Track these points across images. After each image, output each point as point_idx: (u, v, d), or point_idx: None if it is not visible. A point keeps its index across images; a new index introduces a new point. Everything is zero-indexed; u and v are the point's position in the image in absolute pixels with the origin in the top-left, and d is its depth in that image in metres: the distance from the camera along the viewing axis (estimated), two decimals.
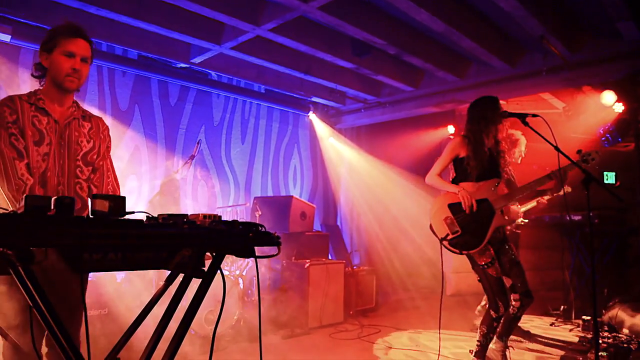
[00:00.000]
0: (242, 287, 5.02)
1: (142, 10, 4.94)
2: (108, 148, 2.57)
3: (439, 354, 3.96)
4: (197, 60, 6.07)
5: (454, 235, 3.46)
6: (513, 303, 3.48)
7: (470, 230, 3.44)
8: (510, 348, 3.67)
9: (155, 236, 1.36)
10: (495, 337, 3.60)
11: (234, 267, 5.20)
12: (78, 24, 2.37)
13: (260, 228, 1.56)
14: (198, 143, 5.28)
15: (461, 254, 3.48)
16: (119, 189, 2.58)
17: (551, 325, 5.60)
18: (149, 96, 6.33)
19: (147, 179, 6.13)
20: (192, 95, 6.81)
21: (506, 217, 3.56)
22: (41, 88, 2.38)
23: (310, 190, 8.52)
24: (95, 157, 2.46)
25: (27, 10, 4.77)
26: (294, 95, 7.68)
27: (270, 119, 7.90)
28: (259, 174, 7.66)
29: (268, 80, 6.98)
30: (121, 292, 4.18)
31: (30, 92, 2.36)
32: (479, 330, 3.60)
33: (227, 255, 5.14)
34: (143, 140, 6.16)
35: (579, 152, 3.39)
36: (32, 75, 2.39)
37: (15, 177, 2.13)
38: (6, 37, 4.81)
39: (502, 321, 3.58)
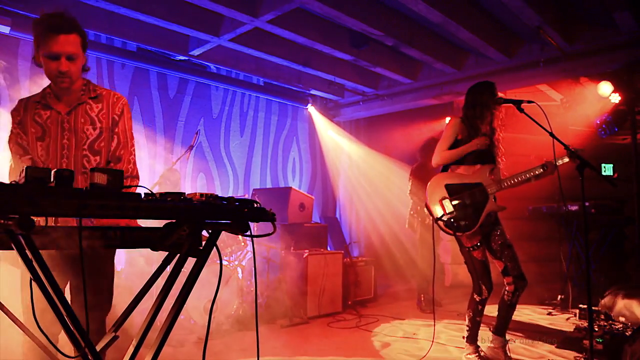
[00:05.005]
0: (240, 277, 5.06)
1: (141, 2, 4.96)
2: (127, 127, 2.44)
3: (432, 341, 4.01)
4: (196, 52, 6.10)
5: (449, 216, 3.49)
6: (507, 287, 3.51)
7: (464, 212, 3.48)
8: (510, 341, 3.68)
9: (151, 209, 1.39)
10: (492, 334, 3.63)
11: (233, 257, 5.24)
12: (59, 14, 2.19)
13: (255, 204, 1.60)
14: (197, 133, 5.31)
15: (455, 235, 3.51)
16: (137, 178, 2.50)
17: (548, 314, 5.64)
18: (147, 88, 6.36)
19: (146, 171, 6.16)
20: (191, 88, 6.84)
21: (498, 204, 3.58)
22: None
23: (309, 183, 8.55)
24: (102, 144, 2.36)
25: (26, 2, 4.79)
26: (293, 87, 7.71)
27: (269, 112, 7.93)
28: (257, 167, 7.70)
29: (267, 72, 7.01)
30: (121, 281, 4.22)
31: (44, 89, 2.39)
32: (466, 315, 3.67)
33: (226, 246, 5.13)
34: (142, 132, 6.19)
35: (566, 147, 3.40)
36: (36, 64, 2.32)
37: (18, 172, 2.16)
38: (5, 29, 4.84)
39: (497, 312, 3.61)
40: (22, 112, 2.33)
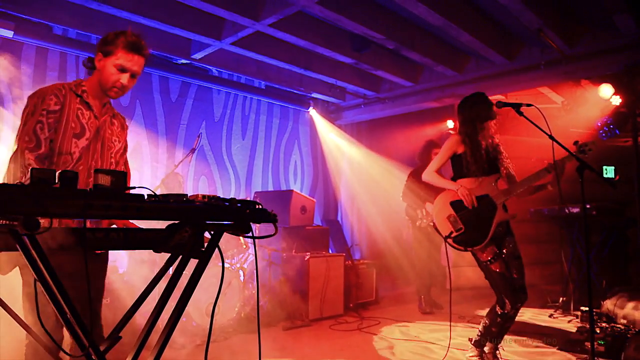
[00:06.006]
0: (242, 279, 5.07)
1: (143, 5, 4.99)
2: (125, 149, 2.63)
3: (448, 346, 3.99)
4: (198, 56, 6.12)
5: (457, 233, 3.46)
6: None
7: (473, 226, 3.44)
8: (500, 348, 3.66)
9: (154, 210, 1.41)
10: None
11: (235, 259, 5.25)
12: (141, 38, 2.39)
13: (257, 206, 1.61)
14: (199, 136, 5.34)
15: (466, 250, 3.49)
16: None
17: (550, 316, 5.64)
18: (150, 92, 6.38)
19: (148, 175, 6.18)
20: (193, 91, 6.86)
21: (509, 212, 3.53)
22: (87, 79, 2.40)
23: (310, 186, 8.57)
24: (120, 157, 2.56)
25: (30, 7, 4.82)
26: (294, 91, 7.73)
27: (270, 115, 7.95)
28: (259, 170, 7.72)
29: (268, 76, 7.03)
30: (123, 283, 4.24)
31: (77, 80, 2.38)
32: (482, 321, 3.58)
33: (228, 249, 5.15)
34: (144, 136, 6.21)
35: (575, 143, 3.39)
36: (82, 64, 2.43)
37: (22, 166, 2.14)
38: (9, 33, 4.86)
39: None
40: (66, 101, 2.23)
